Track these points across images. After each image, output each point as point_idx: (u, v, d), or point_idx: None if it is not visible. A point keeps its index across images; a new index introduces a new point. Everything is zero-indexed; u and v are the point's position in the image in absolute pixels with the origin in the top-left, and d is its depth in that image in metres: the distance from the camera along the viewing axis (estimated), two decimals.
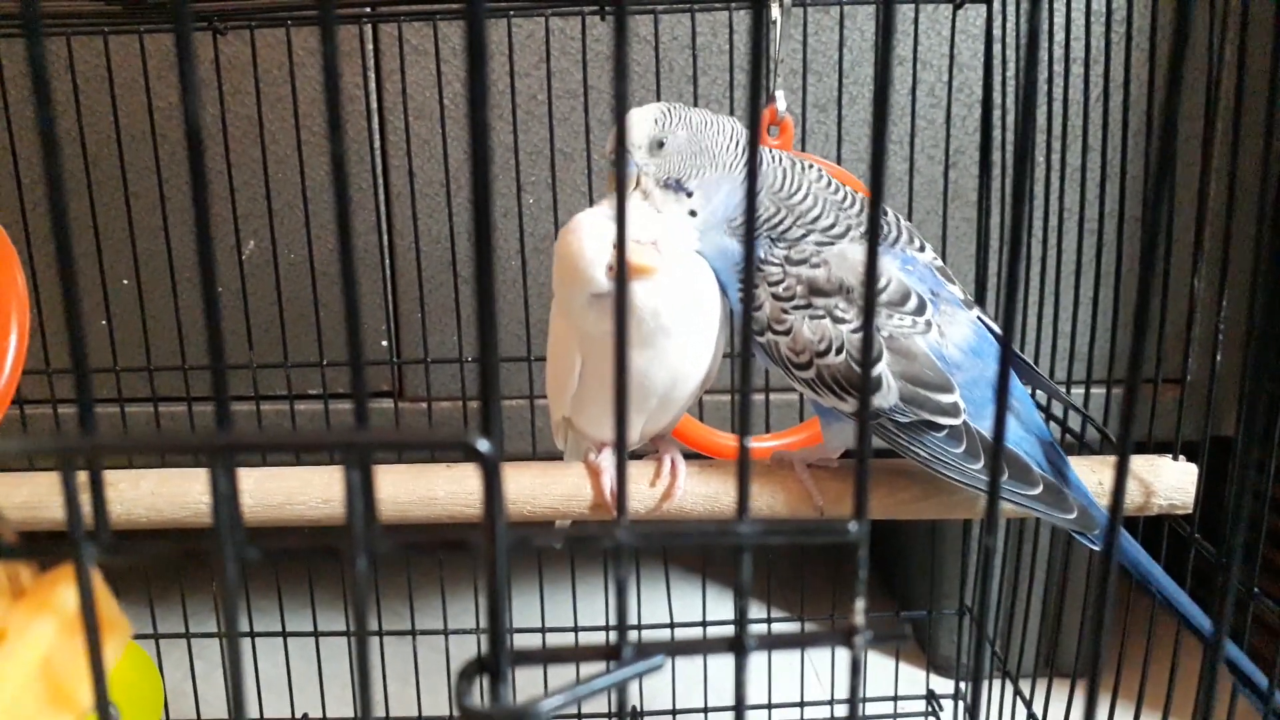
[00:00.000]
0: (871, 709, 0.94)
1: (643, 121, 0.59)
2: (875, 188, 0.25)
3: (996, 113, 0.81)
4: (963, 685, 0.95)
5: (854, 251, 0.56)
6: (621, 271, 0.25)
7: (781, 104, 0.71)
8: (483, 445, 0.23)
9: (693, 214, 0.59)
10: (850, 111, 0.89)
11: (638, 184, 0.60)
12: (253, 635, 0.91)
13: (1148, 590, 0.58)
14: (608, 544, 0.25)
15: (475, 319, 0.92)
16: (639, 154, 0.59)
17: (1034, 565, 0.85)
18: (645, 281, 0.55)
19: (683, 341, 0.58)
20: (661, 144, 0.59)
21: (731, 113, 0.84)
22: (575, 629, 0.92)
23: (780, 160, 0.60)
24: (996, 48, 0.80)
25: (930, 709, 0.95)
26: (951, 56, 0.85)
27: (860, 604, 0.26)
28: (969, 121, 0.90)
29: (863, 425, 0.24)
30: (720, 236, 0.59)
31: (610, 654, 0.26)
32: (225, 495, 0.24)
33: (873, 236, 0.25)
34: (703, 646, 0.25)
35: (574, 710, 0.91)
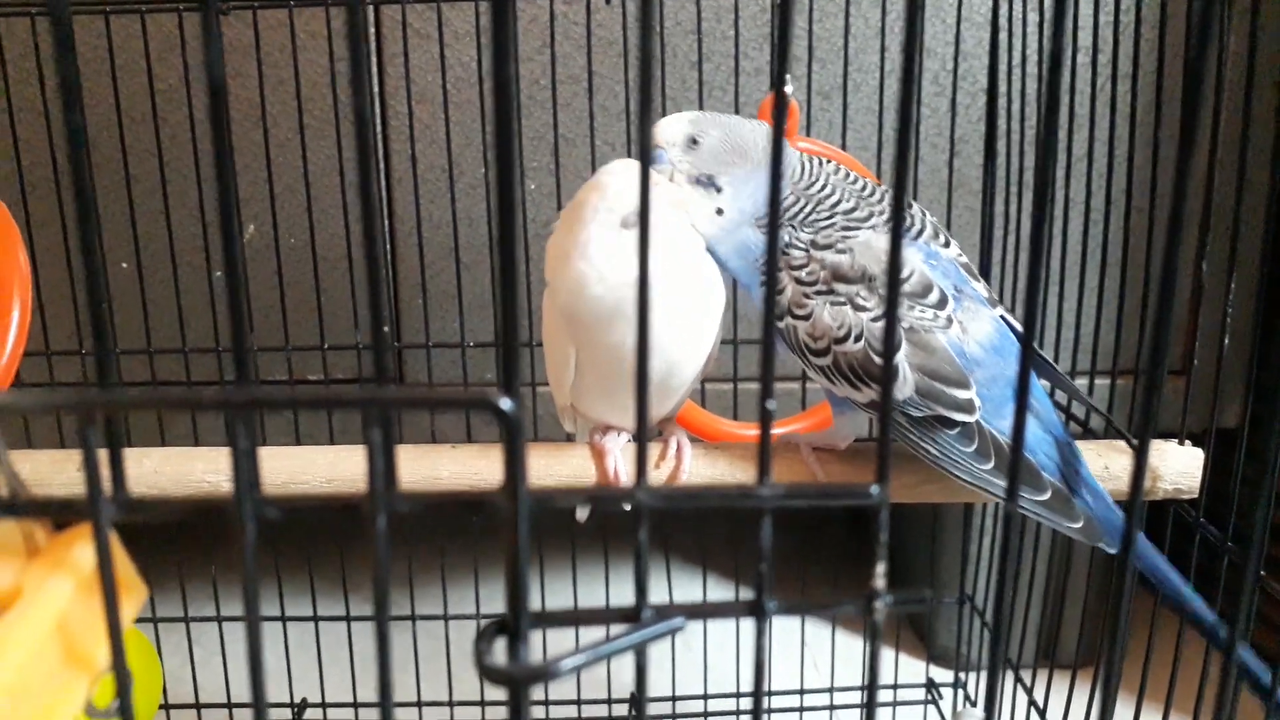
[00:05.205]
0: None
1: (677, 121, 0.60)
2: (898, 173, 0.25)
3: (1001, 101, 0.81)
4: (962, 674, 0.95)
5: (879, 240, 0.56)
6: (643, 259, 0.25)
7: (788, 88, 0.71)
8: (505, 404, 0.23)
9: (720, 212, 0.59)
10: (855, 99, 0.89)
11: (669, 179, 0.60)
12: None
13: (1157, 589, 0.58)
14: (629, 504, 0.25)
15: (475, 307, 0.92)
16: (673, 151, 0.59)
17: (1035, 556, 0.85)
18: (624, 269, 0.55)
19: (674, 330, 0.58)
20: (695, 141, 0.59)
21: (738, 99, 0.84)
22: (575, 611, 0.91)
23: (799, 155, 0.61)
24: (1002, 36, 0.80)
25: (930, 698, 0.95)
26: (957, 45, 0.85)
27: (881, 567, 0.26)
28: (973, 110, 0.90)
29: (886, 385, 0.24)
30: (745, 231, 0.59)
31: (629, 617, 0.26)
32: (245, 452, 0.24)
33: (897, 212, 0.24)
34: (724, 610, 0.25)
35: (574, 696, 0.92)
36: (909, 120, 0.24)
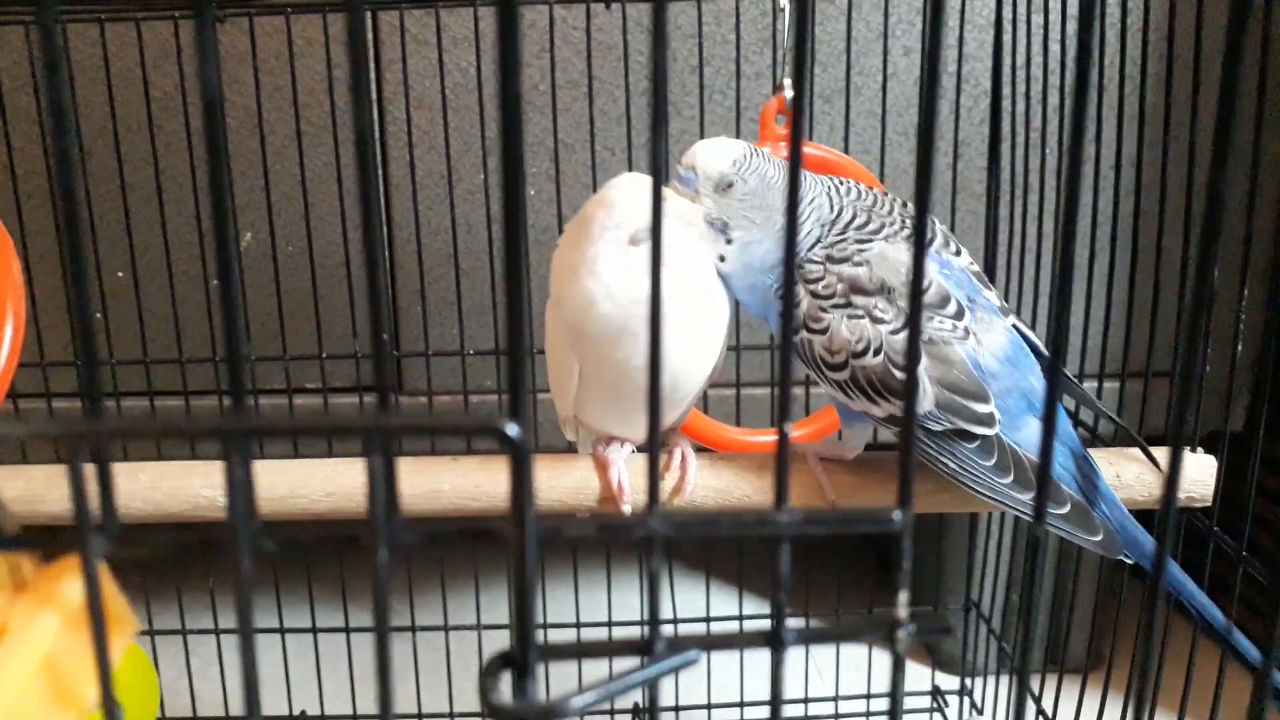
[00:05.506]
0: (876, 705, 0.93)
1: (723, 155, 0.57)
2: (920, 191, 0.24)
3: (1004, 104, 0.80)
4: (968, 681, 0.94)
5: (894, 251, 0.55)
6: (656, 265, 0.24)
7: (790, 92, 0.70)
8: (512, 430, 0.22)
9: (721, 259, 0.58)
10: (856, 102, 0.88)
11: (691, 201, 0.58)
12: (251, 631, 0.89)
13: (1171, 598, 0.57)
14: (640, 533, 0.24)
15: (474, 314, 0.91)
16: (705, 184, 0.57)
17: (1043, 560, 0.84)
18: (632, 286, 0.54)
19: (680, 343, 0.57)
20: (730, 185, 0.57)
21: (739, 103, 0.83)
22: (577, 624, 0.90)
23: (824, 189, 0.59)
24: (1005, 38, 0.79)
25: (935, 705, 0.94)
26: (960, 47, 0.84)
27: (903, 596, 0.25)
28: (975, 113, 0.89)
29: (909, 400, 0.23)
30: (756, 276, 0.58)
31: (642, 649, 0.25)
32: (241, 482, 0.23)
33: (920, 224, 0.24)
34: (739, 641, 0.24)
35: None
36: (930, 134, 0.23)
